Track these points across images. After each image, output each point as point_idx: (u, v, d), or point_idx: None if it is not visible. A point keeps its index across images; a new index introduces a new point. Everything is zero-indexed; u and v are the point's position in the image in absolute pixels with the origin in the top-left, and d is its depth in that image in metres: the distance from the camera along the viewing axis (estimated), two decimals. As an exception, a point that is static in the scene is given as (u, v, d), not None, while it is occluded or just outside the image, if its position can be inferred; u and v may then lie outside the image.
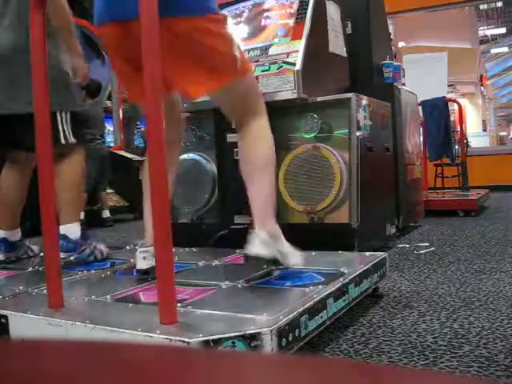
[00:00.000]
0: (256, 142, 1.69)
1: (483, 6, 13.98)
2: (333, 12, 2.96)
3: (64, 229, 2.11)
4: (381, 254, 1.95)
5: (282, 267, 1.67)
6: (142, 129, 8.24)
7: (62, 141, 2.13)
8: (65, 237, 2.10)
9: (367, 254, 2.02)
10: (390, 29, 4.87)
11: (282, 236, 1.66)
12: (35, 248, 2.41)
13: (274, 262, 1.60)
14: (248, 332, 1.10)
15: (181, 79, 1.61)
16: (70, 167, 2.17)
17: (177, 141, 1.88)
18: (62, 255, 2.01)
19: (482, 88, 13.98)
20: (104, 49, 1.72)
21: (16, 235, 2.33)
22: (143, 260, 1.69)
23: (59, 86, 2.09)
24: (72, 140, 2.17)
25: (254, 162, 1.67)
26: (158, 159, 1.15)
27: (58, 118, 2.12)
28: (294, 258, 1.66)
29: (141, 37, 1.14)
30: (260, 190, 1.66)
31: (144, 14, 1.14)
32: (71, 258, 2.12)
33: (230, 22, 1.63)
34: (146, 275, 1.67)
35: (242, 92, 1.68)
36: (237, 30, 2.98)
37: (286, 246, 1.65)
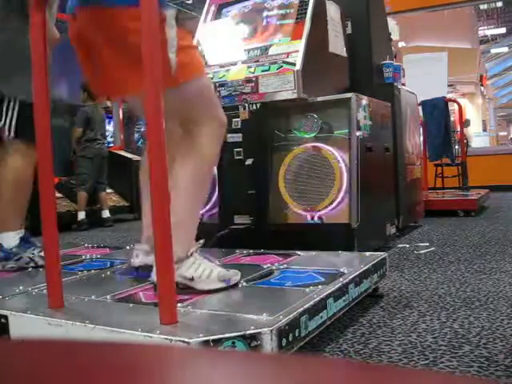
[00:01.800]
0: (186, 158, 1.53)
1: (483, 6, 13.98)
2: (333, 12, 2.96)
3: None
4: (381, 254, 1.95)
5: (282, 267, 1.65)
6: (142, 129, 8.24)
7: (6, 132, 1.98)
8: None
9: (367, 254, 2.02)
10: (396, 29, 4.86)
11: (198, 259, 1.52)
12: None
13: (180, 286, 1.45)
14: (248, 332, 1.10)
15: (109, 78, 1.52)
16: (9, 169, 2.00)
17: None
18: None
19: (482, 88, 13.97)
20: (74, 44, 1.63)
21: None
22: (135, 257, 1.72)
23: (25, 74, 2.02)
24: (12, 135, 2.00)
25: (179, 181, 1.49)
26: (158, 159, 1.15)
27: (5, 104, 1.98)
28: (206, 283, 1.51)
29: (141, 34, 1.14)
30: (173, 213, 1.35)
31: (144, 6, 1.14)
32: (8, 266, 2.01)
33: (173, 22, 1.47)
34: (137, 271, 1.70)
35: (177, 101, 1.50)
36: (237, 30, 2.98)
37: (201, 270, 1.51)
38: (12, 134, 2.00)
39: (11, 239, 2.04)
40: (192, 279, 1.49)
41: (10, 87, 1.99)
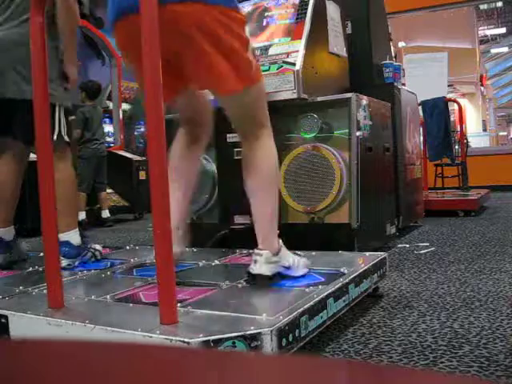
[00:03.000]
0: (262, 157, 1.65)
1: (483, 6, 13.97)
2: (333, 12, 2.96)
3: (65, 236, 2.09)
4: (381, 254, 1.95)
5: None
6: (142, 129, 8.25)
7: (55, 137, 2.06)
8: (67, 243, 2.09)
9: (367, 254, 2.02)
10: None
11: (285, 249, 1.66)
12: (23, 249, 2.30)
13: (278, 277, 1.62)
14: (248, 332, 1.10)
15: (202, 74, 1.56)
16: (61, 173, 2.06)
17: (201, 141, 1.83)
18: (65, 262, 2.03)
19: (482, 88, 13.96)
20: (121, 51, 1.65)
21: (10, 234, 2.21)
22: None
23: (61, 83, 2.09)
24: (66, 139, 2.13)
25: (260, 178, 1.63)
26: (158, 159, 1.15)
27: (56, 111, 2.07)
28: (299, 269, 1.67)
29: (141, 31, 1.14)
30: (264, 208, 1.64)
31: (144, 5, 1.14)
32: (76, 263, 2.10)
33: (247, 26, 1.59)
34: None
35: (252, 100, 1.63)
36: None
37: (290, 259, 1.65)
38: (66, 137, 2.12)
39: (77, 236, 2.15)
40: (289, 267, 1.64)
41: (58, 95, 2.06)
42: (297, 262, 1.67)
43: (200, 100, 1.81)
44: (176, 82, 1.63)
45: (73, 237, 2.13)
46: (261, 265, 1.57)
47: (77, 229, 2.18)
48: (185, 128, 1.82)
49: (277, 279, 1.60)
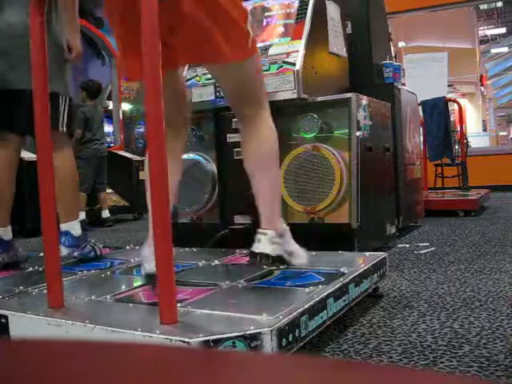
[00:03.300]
0: (261, 137, 1.64)
1: (483, 6, 13.98)
2: (333, 12, 2.96)
3: (66, 226, 2.11)
4: (381, 254, 1.95)
5: (283, 267, 1.68)
6: (142, 129, 8.25)
7: (60, 128, 2.09)
8: (67, 233, 2.10)
9: (367, 254, 2.02)
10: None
11: (290, 235, 1.67)
12: (20, 251, 2.26)
13: (280, 260, 1.61)
14: (248, 332, 1.10)
15: (197, 43, 1.52)
16: (64, 163, 2.10)
17: (182, 135, 1.76)
18: (64, 251, 2.04)
19: (482, 88, 13.96)
20: (108, 15, 1.59)
21: (8, 233, 2.19)
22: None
23: (65, 73, 2.09)
24: (64, 129, 2.12)
25: (260, 159, 1.63)
26: (158, 159, 1.15)
27: (60, 102, 2.08)
28: (300, 258, 1.67)
29: (141, 35, 1.14)
30: (267, 187, 1.64)
31: (144, 7, 1.14)
32: (75, 253, 2.12)
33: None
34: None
35: (250, 73, 1.61)
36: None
37: (293, 246, 1.66)
38: (65, 128, 2.12)
39: (78, 227, 2.16)
40: (291, 253, 1.64)
41: (63, 85, 2.08)
42: (298, 250, 1.67)
43: (179, 87, 1.75)
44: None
45: (74, 227, 2.14)
46: (265, 244, 1.56)
47: (78, 220, 2.20)
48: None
49: (278, 262, 1.60)
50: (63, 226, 2.10)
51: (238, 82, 1.62)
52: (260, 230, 1.60)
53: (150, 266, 1.48)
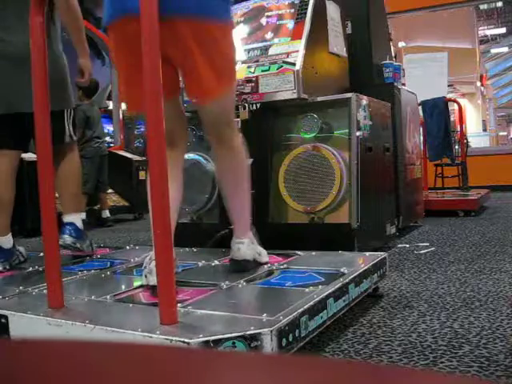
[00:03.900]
0: (235, 155, 1.78)
1: (483, 6, 13.97)
2: (333, 12, 2.96)
3: (71, 218, 2.20)
4: (381, 254, 1.95)
5: (283, 267, 1.80)
6: (142, 129, 8.25)
7: (67, 139, 2.21)
8: (72, 224, 2.18)
9: (367, 254, 2.02)
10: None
11: (254, 238, 1.87)
12: (22, 250, 2.28)
13: (255, 262, 1.84)
14: (248, 332, 1.10)
15: (192, 81, 1.62)
16: (72, 164, 2.25)
17: (182, 141, 1.87)
18: (69, 239, 2.12)
19: (482, 88, 13.96)
20: (111, 51, 1.70)
21: (10, 241, 2.18)
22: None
23: (64, 84, 2.12)
24: (75, 138, 2.28)
25: (235, 175, 1.78)
26: (158, 159, 1.15)
27: (66, 116, 2.18)
28: (265, 256, 1.89)
29: (141, 35, 1.14)
30: (241, 201, 1.82)
31: (144, 11, 1.14)
32: (77, 244, 2.17)
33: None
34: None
35: (230, 100, 1.74)
36: (237, 31, 2.98)
37: (259, 247, 1.89)
38: (75, 137, 2.29)
39: (81, 222, 2.27)
40: (260, 253, 1.87)
41: (65, 101, 2.17)
42: (262, 250, 1.89)
43: (178, 105, 1.86)
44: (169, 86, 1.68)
45: (78, 220, 2.24)
46: (245, 251, 1.79)
47: (83, 214, 2.28)
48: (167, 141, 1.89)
49: (254, 263, 1.83)
50: (69, 218, 2.20)
51: (221, 111, 1.72)
52: (237, 240, 1.81)
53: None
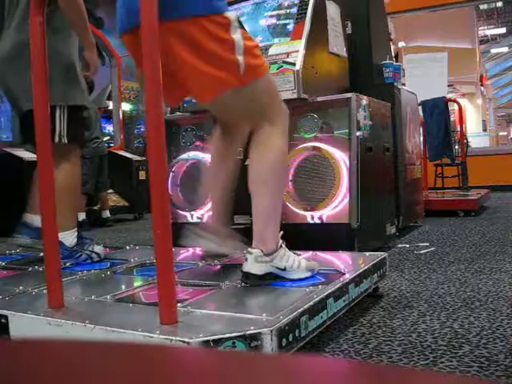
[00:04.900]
0: (263, 154, 1.61)
1: (483, 6, 13.98)
2: (333, 12, 2.96)
3: (59, 236, 2.06)
4: (381, 254, 1.95)
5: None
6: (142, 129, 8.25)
7: (56, 139, 2.03)
8: (60, 244, 2.06)
9: (367, 254, 2.02)
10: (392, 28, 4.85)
11: (285, 251, 1.62)
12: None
13: (270, 277, 1.59)
14: (248, 332, 1.10)
15: (188, 82, 1.58)
16: (63, 172, 2.06)
17: (236, 143, 1.89)
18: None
19: (482, 88, 13.96)
20: (132, 56, 1.66)
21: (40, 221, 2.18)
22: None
23: (64, 80, 2.07)
24: (64, 140, 2.07)
25: (259, 176, 1.60)
26: (158, 159, 1.15)
27: (57, 113, 2.03)
28: (301, 272, 1.62)
29: (142, 42, 1.14)
30: (261, 207, 1.60)
31: (144, 19, 1.14)
32: (67, 264, 2.06)
33: (237, 25, 1.55)
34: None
35: (246, 99, 1.61)
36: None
37: (292, 261, 1.61)
38: (65, 139, 2.08)
39: (72, 238, 2.14)
40: (284, 269, 1.61)
41: (58, 96, 2.02)
42: (297, 264, 1.62)
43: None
44: (179, 89, 1.67)
45: (66, 238, 2.09)
46: (250, 263, 1.57)
47: (73, 230, 2.15)
48: (221, 130, 1.90)
49: (268, 279, 1.58)
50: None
51: (232, 109, 1.66)
52: (248, 249, 1.60)
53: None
